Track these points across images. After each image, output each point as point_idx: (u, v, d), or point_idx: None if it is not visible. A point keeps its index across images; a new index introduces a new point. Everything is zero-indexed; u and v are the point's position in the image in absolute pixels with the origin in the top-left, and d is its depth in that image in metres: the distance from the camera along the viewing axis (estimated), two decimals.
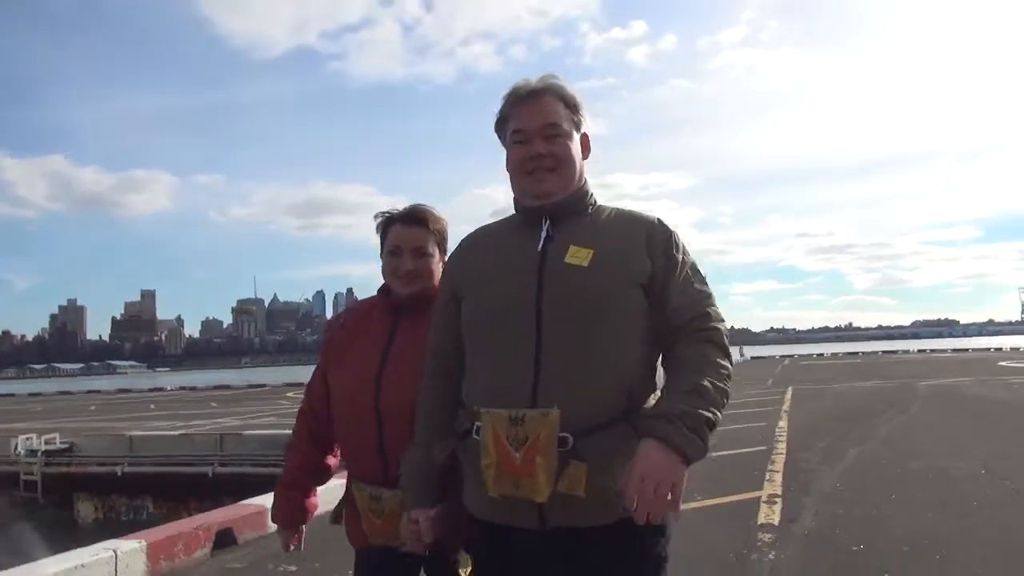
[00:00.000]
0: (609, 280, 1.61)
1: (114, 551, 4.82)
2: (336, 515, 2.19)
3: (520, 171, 1.72)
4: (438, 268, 2.07)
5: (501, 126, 1.78)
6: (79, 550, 4.93)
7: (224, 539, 5.70)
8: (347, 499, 2.12)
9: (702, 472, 7.40)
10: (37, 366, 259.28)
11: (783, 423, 12.09)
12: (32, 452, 14.40)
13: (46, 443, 14.52)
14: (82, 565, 4.55)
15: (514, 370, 1.61)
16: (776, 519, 5.71)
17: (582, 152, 1.76)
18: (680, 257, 1.68)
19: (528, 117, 1.71)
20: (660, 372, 1.69)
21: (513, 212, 1.81)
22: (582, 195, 1.74)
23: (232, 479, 12.13)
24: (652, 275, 1.64)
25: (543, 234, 1.68)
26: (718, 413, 1.53)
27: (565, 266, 1.62)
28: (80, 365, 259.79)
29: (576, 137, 1.74)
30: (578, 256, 1.63)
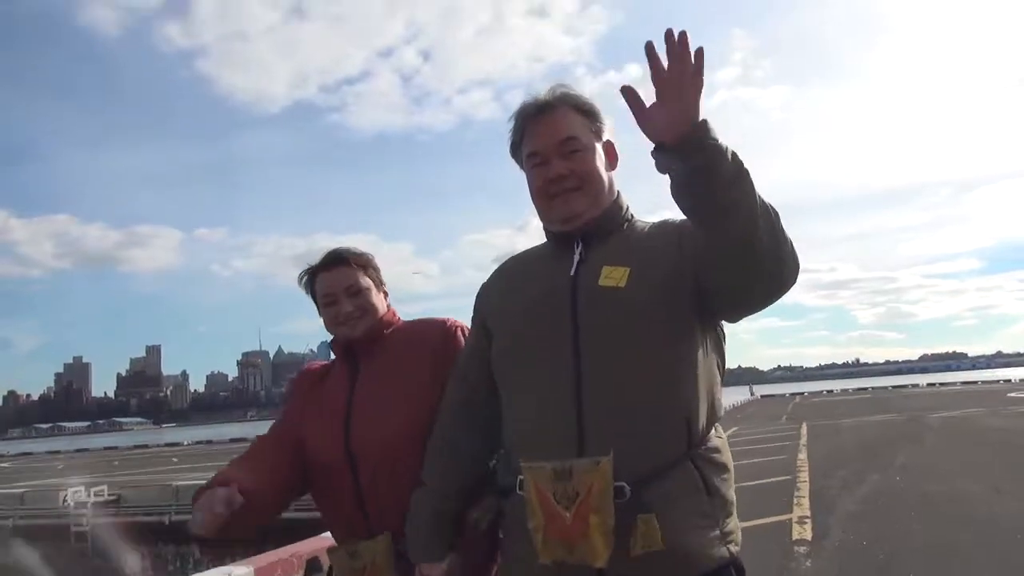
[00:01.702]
0: (652, 297, 1.42)
1: (229, 574, 5.50)
2: None
3: (543, 196, 1.55)
4: (380, 300, 1.98)
5: (515, 150, 1.61)
6: (198, 575, 5.59)
7: (313, 566, 6.37)
8: (329, 573, 1.92)
9: (738, 500, 8.05)
10: (43, 426, 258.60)
11: (803, 456, 12.66)
12: (81, 504, 14.99)
13: (95, 495, 15.13)
14: None
15: (553, 414, 1.42)
16: (808, 535, 6.35)
17: (608, 163, 1.57)
18: None
19: (542, 135, 1.54)
20: (721, 401, 1.52)
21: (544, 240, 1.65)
22: (615, 212, 1.57)
23: (279, 525, 12.67)
24: (688, 254, 1.43)
25: (575, 258, 1.51)
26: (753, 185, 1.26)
27: (600, 290, 1.45)
28: (86, 423, 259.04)
29: (598, 148, 1.56)
30: (613, 277, 1.45)
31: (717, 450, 1.45)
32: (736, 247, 1.27)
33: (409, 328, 2.01)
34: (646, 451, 1.37)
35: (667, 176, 1.27)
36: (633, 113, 1.26)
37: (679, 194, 1.27)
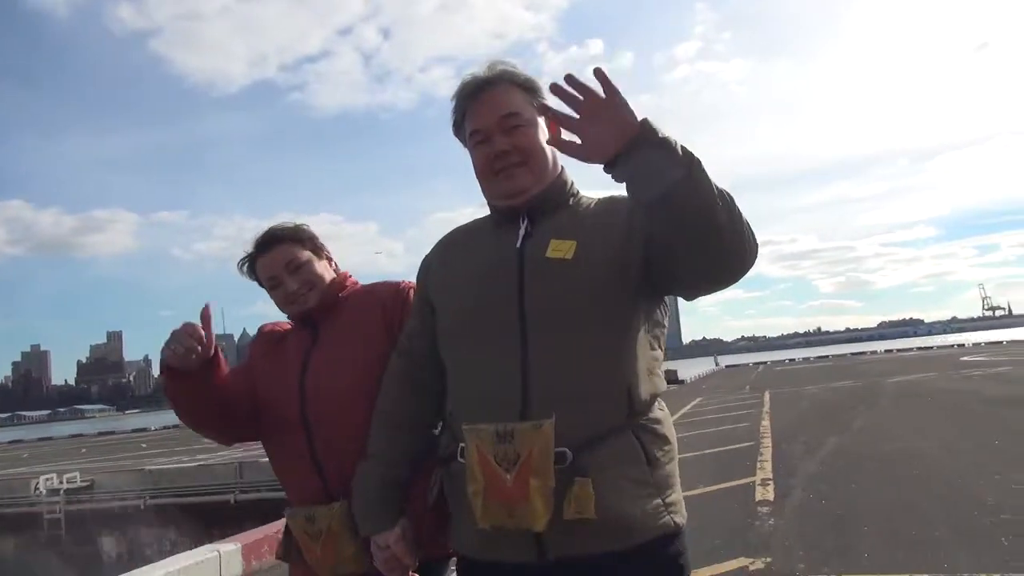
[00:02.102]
0: (598, 270, 1.44)
1: (218, 551, 5.66)
2: (284, 551, 1.93)
3: (487, 173, 1.55)
4: (324, 267, 1.98)
5: (458, 129, 1.60)
6: (186, 552, 5.75)
7: None
8: (286, 533, 1.90)
9: (700, 466, 8.44)
10: (1, 415, 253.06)
11: (766, 422, 13.11)
12: (54, 491, 14.92)
13: (67, 482, 15.06)
14: (195, 563, 5.38)
15: (499, 380, 1.43)
16: (771, 496, 6.69)
17: (552, 136, 1.50)
18: None
19: (483, 113, 1.53)
20: (662, 374, 1.54)
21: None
22: (560, 186, 1.58)
23: (253, 505, 12.80)
24: (638, 234, 1.44)
25: (521, 231, 1.52)
26: (707, 175, 1.26)
27: (546, 261, 1.46)
28: (46, 412, 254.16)
29: (541, 123, 1.54)
30: (560, 249, 1.46)
31: (659, 422, 1.47)
32: (698, 234, 1.27)
33: (364, 291, 2.01)
34: (588, 418, 1.38)
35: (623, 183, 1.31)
36: (570, 154, 1.33)
37: (637, 193, 1.30)
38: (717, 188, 1.26)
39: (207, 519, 13.53)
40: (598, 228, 1.49)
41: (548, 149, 1.55)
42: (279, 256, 1.93)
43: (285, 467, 1.92)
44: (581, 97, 1.26)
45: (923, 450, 8.48)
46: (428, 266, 1.69)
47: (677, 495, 1.48)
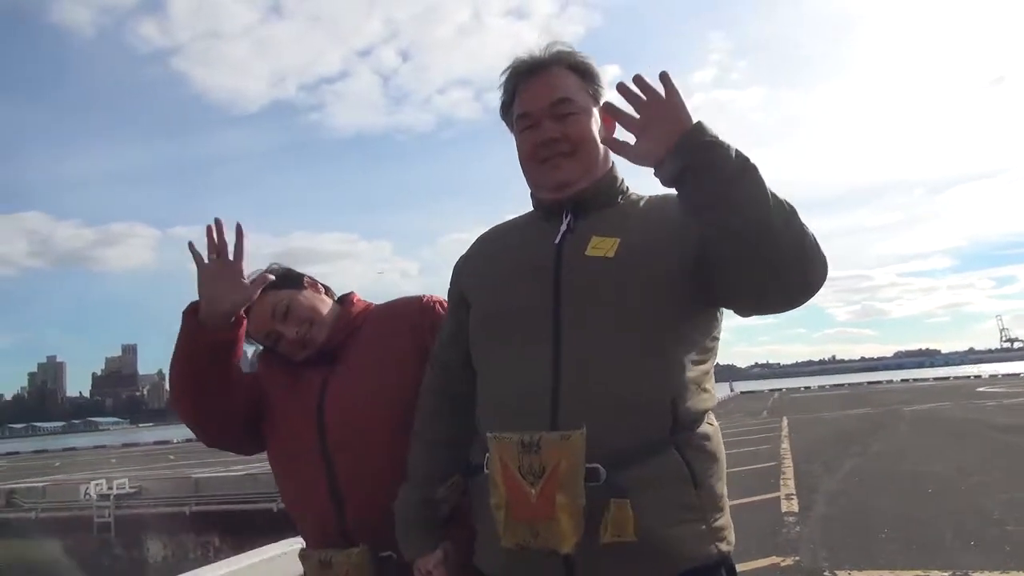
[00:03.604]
0: (642, 271, 1.32)
1: (285, 551, 6.30)
2: None
3: (532, 160, 1.44)
4: (315, 298, 1.81)
5: (505, 111, 1.50)
6: (261, 548, 6.39)
7: None
8: None
9: (729, 483, 9.01)
10: (17, 426, 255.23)
11: (785, 445, 13.69)
12: (104, 496, 15.65)
13: (117, 488, 15.81)
14: (277, 555, 6.02)
15: (528, 386, 1.32)
16: (796, 508, 7.35)
17: (605, 129, 1.44)
18: None
19: (534, 95, 1.43)
20: (713, 389, 1.41)
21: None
22: (610, 182, 1.46)
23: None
24: (689, 232, 1.30)
25: (562, 227, 1.41)
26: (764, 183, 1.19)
27: (586, 259, 1.35)
28: (61, 424, 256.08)
29: (594, 112, 1.44)
30: (601, 247, 1.35)
31: (707, 438, 1.33)
32: (751, 243, 1.18)
33: (383, 310, 1.87)
34: (625, 431, 1.25)
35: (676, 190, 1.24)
36: (623, 154, 1.28)
37: (687, 197, 1.22)
38: (773, 195, 1.19)
39: (250, 526, 14.20)
40: (646, 227, 1.38)
41: (600, 141, 1.45)
42: (276, 302, 1.75)
43: (300, 503, 1.73)
44: (645, 97, 1.20)
45: (936, 471, 9.07)
46: (464, 262, 1.59)
47: (725, 519, 1.34)
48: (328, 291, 1.89)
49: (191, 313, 1.64)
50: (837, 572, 5.04)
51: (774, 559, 5.44)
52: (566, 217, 1.43)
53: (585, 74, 1.46)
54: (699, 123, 1.20)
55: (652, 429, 1.28)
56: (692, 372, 1.33)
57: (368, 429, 1.65)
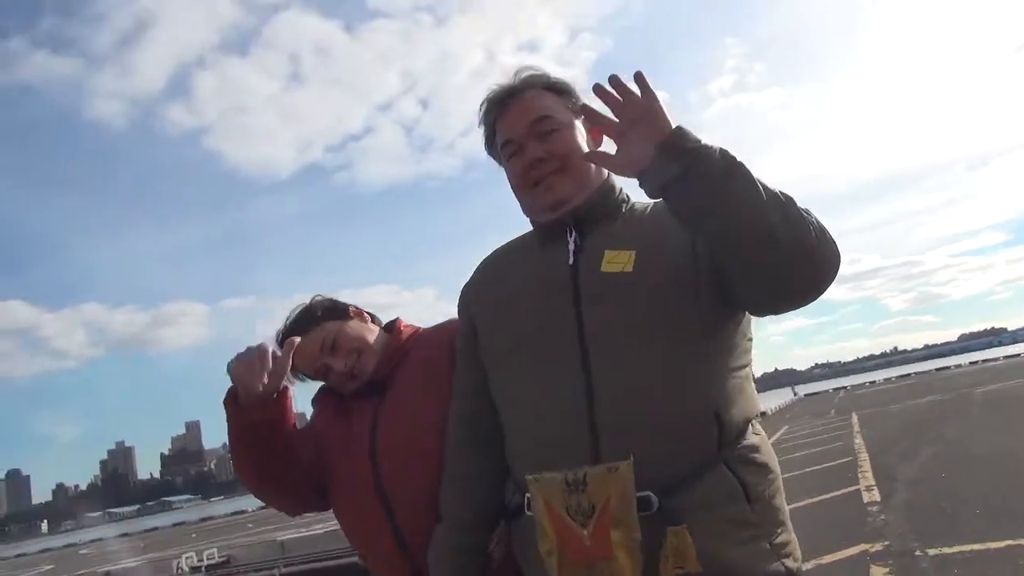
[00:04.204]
0: (664, 280, 1.28)
1: None
2: None
3: (524, 185, 1.41)
4: (362, 328, 1.79)
5: (491, 145, 1.48)
6: None
7: None
8: None
9: (806, 482, 9.11)
10: (93, 514, 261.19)
11: (858, 440, 13.57)
12: (196, 568, 16.09)
13: (207, 558, 16.31)
14: None
15: (562, 418, 1.25)
16: (878, 497, 7.39)
17: (592, 140, 1.42)
18: None
19: (513, 121, 1.42)
20: (754, 392, 1.36)
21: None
22: (608, 193, 1.42)
23: None
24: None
25: (570, 246, 1.36)
26: (769, 189, 1.14)
27: (604, 276, 1.31)
28: (136, 507, 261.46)
29: (577, 125, 1.42)
30: (617, 261, 1.31)
31: (755, 449, 1.27)
32: (751, 245, 1.13)
33: (430, 334, 1.82)
34: (672, 452, 1.21)
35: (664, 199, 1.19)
36: (606, 165, 1.29)
37: (677, 206, 1.18)
38: (766, 189, 1.13)
39: None
40: (659, 234, 1.33)
41: None
42: (318, 336, 1.75)
43: (367, 546, 1.72)
44: (622, 99, 1.16)
45: (1014, 448, 8.99)
46: (468, 292, 1.54)
47: (787, 535, 1.29)
48: (374, 319, 1.88)
49: (231, 399, 1.63)
50: (928, 551, 5.15)
51: (863, 546, 5.55)
52: (571, 235, 1.39)
53: (561, 91, 1.45)
54: (679, 128, 1.15)
55: (699, 446, 1.23)
56: (732, 379, 1.30)
57: (422, 466, 1.58)
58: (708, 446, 1.24)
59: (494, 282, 1.49)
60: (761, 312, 1.31)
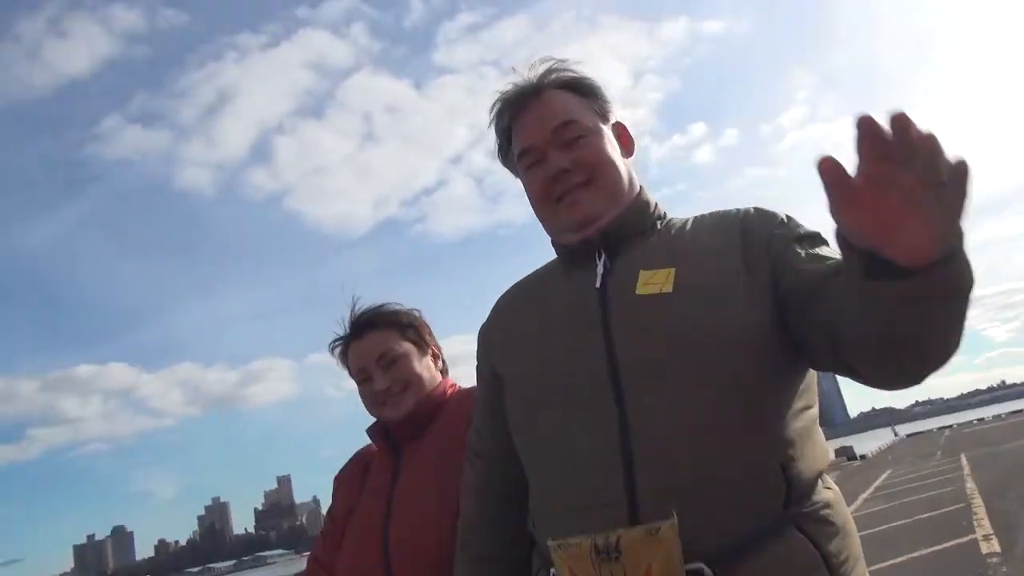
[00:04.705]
0: (712, 302, 1.06)
1: None
2: None
3: (546, 201, 1.22)
4: (427, 367, 1.67)
5: (504, 154, 1.30)
6: None
7: None
8: None
9: (917, 531, 8.68)
10: (193, 569, 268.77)
11: (971, 484, 12.81)
12: None
13: None
14: None
15: (590, 468, 1.04)
16: (997, 548, 6.97)
17: (622, 149, 1.26)
18: (798, 230, 1.13)
19: (532, 126, 1.23)
20: (822, 437, 1.12)
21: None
22: (641, 208, 1.23)
23: None
24: (761, 267, 1.09)
25: (599, 268, 1.16)
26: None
27: (639, 300, 1.09)
28: (232, 562, 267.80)
29: (606, 131, 1.24)
30: (655, 281, 1.10)
31: (828, 506, 1.05)
32: (913, 348, 0.88)
33: (461, 400, 1.65)
34: (729, 512, 0.98)
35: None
36: (835, 200, 0.75)
37: (881, 320, 0.84)
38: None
39: None
40: (704, 251, 1.14)
41: (621, 163, 1.24)
42: (372, 343, 1.64)
43: None
44: (894, 143, 0.70)
45: None
46: (487, 332, 1.35)
47: None
48: (444, 370, 1.75)
49: None
50: None
51: None
52: (600, 256, 1.18)
53: (587, 91, 1.26)
54: (961, 235, 0.77)
55: (763, 505, 1.00)
56: (799, 421, 1.06)
57: (437, 557, 1.40)
58: (772, 504, 1.00)
59: (513, 319, 1.30)
60: (844, 374, 1.01)
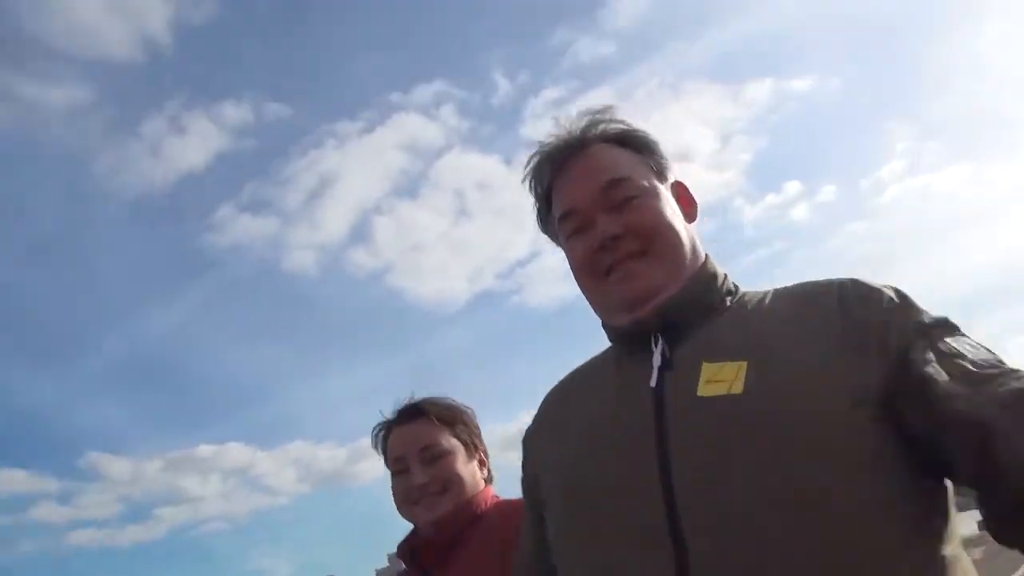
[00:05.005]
0: (797, 403, 0.82)
1: None
2: None
3: (591, 273, 1.02)
4: (471, 471, 1.50)
5: (543, 220, 1.11)
6: None
7: None
8: None
9: None
10: None
11: None
12: None
13: None
14: None
15: None
16: None
17: (684, 212, 1.04)
18: (920, 316, 0.87)
19: (576, 186, 1.03)
20: (969, 564, 0.84)
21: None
22: (708, 281, 1.00)
23: None
24: (867, 366, 0.83)
25: (655, 359, 0.94)
26: None
27: (701, 404, 0.87)
28: None
29: (663, 191, 1.03)
30: (721, 377, 0.87)
31: None
32: None
33: (501, 513, 1.47)
34: None
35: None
36: None
37: None
38: None
39: None
40: (786, 338, 0.89)
41: (682, 228, 1.02)
42: (417, 435, 1.49)
43: None
44: None
45: None
46: (529, 437, 1.13)
47: None
48: (488, 477, 1.58)
49: None
50: None
51: None
52: (657, 345, 0.95)
53: (638, 144, 1.06)
54: None
55: None
56: (920, 554, 0.79)
57: None
58: None
59: (556, 422, 1.07)
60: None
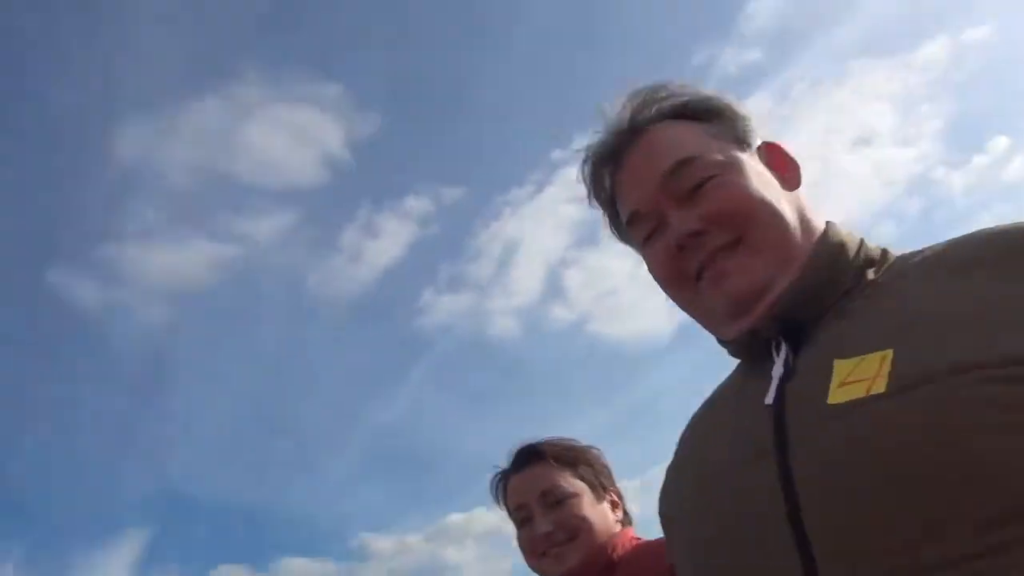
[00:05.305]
0: (960, 406, 0.59)
1: None
2: None
3: (679, 283, 0.85)
4: (601, 514, 1.39)
5: (614, 221, 0.94)
6: None
7: None
8: None
9: None
10: None
11: None
12: None
13: None
14: None
15: None
16: None
17: (782, 179, 0.85)
18: None
19: (634, 180, 0.86)
20: None
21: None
22: (830, 256, 0.79)
23: None
24: None
25: (776, 368, 0.75)
26: None
27: (831, 414, 0.66)
28: None
29: (746, 161, 0.84)
30: (859, 376, 0.66)
31: None
32: None
33: (640, 556, 1.36)
34: None
35: None
36: None
37: None
38: None
39: None
40: (945, 306, 0.66)
41: (781, 199, 0.82)
42: (535, 479, 1.40)
43: None
44: None
45: None
46: (669, 471, 0.95)
47: None
48: (624, 520, 1.46)
49: None
50: None
51: None
52: (778, 352, 0.76)
53: (704, 113, 0.87)
54: None
55: None
56: None
57: None
58: None
59: (683, 461, 0.91)
60: None
